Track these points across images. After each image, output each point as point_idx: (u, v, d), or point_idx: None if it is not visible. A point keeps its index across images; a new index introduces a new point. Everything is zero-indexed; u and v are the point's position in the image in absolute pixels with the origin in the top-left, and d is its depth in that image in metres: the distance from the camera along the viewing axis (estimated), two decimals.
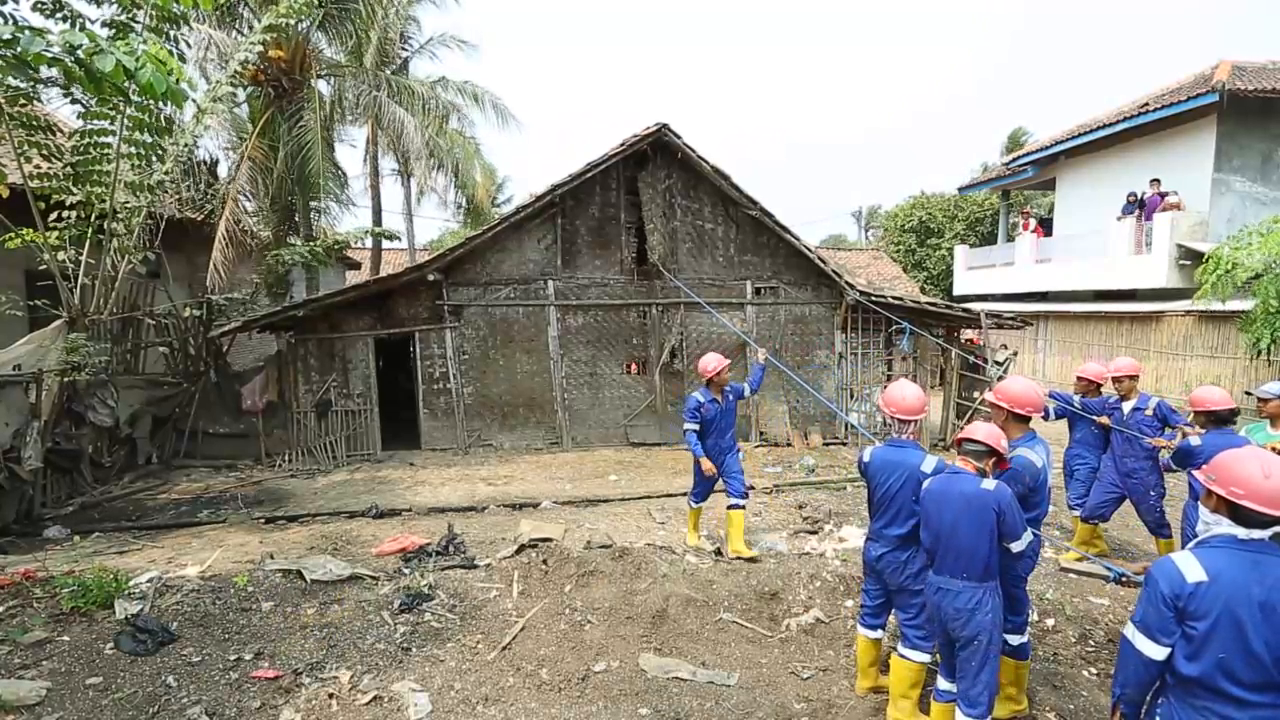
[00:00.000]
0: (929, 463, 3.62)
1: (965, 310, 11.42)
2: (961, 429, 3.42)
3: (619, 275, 10.97)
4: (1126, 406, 5.85)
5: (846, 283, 11.00)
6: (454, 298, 10.51)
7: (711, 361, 5.82)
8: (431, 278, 10.23)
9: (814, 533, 6.65)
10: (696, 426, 5.78)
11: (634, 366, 11.19)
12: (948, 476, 3.31)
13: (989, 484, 3.18)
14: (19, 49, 3.68)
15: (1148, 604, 2.21)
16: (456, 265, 10.46)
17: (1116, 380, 5.96)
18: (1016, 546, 3.21)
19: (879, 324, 11.32)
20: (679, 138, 10.36)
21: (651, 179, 10.66)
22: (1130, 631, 2.26)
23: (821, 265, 11.08)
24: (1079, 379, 6.37)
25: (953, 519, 3.17)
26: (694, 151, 10.45)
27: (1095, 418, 6.06)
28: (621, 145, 10.38)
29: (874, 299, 10.93)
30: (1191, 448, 4.79)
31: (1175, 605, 2.14)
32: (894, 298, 11.16)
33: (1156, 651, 2.18)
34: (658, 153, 10.62)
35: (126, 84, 4.01)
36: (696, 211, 11.04)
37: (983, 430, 3.30)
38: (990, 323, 10.84)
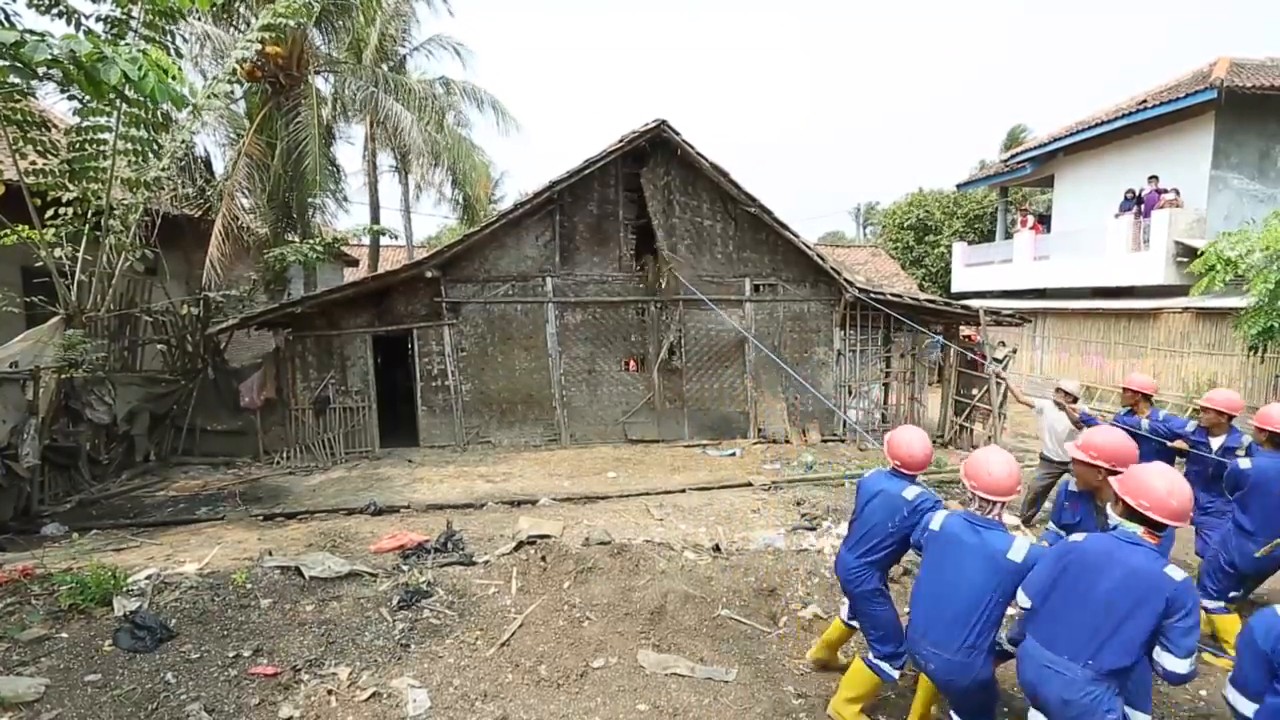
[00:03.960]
0: (1018, 549, 2.88)
1: (964, 307, 11.42)
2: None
3: (617, 272, 10.96)
4: (1215, 443, 4.95)
5: (845, 280, 10.98)
6: (452, 295, 10.50)
7: (920, 444, 3.62)
8: (429, 274, 10.24)
9: (812, 529, 6.67)
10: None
11: (632, 363, 11.19)
12: (1113, 539, 2.68)
13: (1175, 571, 2.52)
14: (21, 52, 3.67)
15: (1242, 658, 2.20)
16: (454, 262, 10.45)
17: (1203, 411, 5.07)
18: (1173, 664, 2.46)
19: (877, 321, 11.32)
20: (678, 134, 10.34)
21: (650, 176, 10.64)
22: (1230, 693, 2.25)
23: (820, 262, 11.08)
24: (1126, 390, 5.64)
25: (1107, 591, 2.58)
26: (692, 148, 10.44)
27: (1170, 443, 5.14)
28: (620, 141, 10.36)
29: (873, 295, 10.93)
30: (1240, 471, 4.41)
31: (1270, 659, 2.08)
32: (892, 295, 11.16)
33: (1249, 709, 2.17)
34: (656, 149, 10.62)
35: (126, 87, 4.02)
36: (695, 208, 11.02)
37: (1175, 505, 2.60)
38: (989, 320, 10.86)
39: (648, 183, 10.63)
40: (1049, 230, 19.66)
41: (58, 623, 4.29)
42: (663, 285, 10.80)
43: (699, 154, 10.50)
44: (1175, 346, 13.93)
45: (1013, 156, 20.75)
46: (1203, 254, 10.70)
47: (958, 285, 22.79)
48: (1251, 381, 12.21)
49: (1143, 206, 15.06)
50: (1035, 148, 19.34)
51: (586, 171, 10.38)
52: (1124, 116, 15.51)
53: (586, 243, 10.87)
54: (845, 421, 11.35)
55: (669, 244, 10.79)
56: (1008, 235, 21.64)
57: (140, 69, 3.85)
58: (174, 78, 4.14)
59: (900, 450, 3.60)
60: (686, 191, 10.96)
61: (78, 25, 6.71)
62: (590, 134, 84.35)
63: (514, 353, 10.78)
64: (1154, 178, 14.81)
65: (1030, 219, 20.08)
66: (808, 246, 11.22)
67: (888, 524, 3.51)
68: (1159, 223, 14.28)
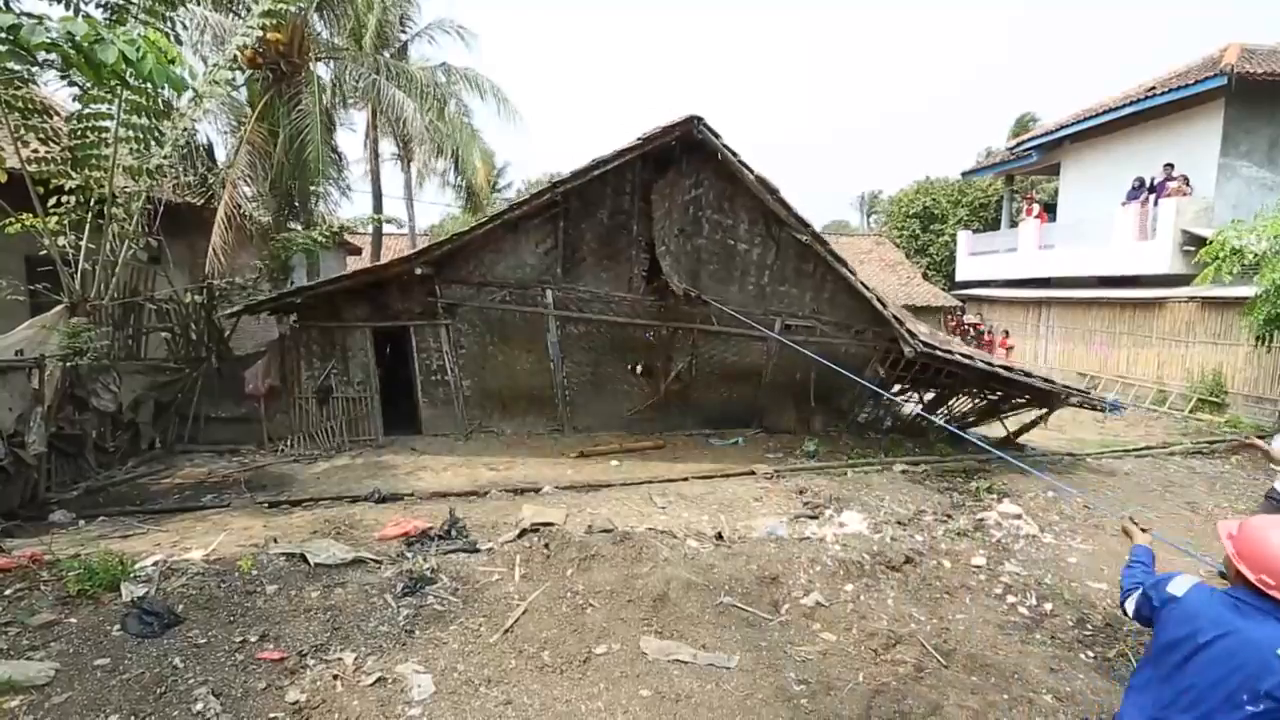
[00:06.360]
0: None
1: (1046, 380, 9.08)
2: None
3: (627, 294, 9.79)
4: None
5: (908, 330, 8.78)
6: (447, 295, 9.89)
7: None
8: (420, 272, 9.51)
9: (814, 518, 6.69)
10: None
11: (639, 368, 10.82)
12: None
13: None
14: (19, 35, 3.66)
15: None
16: (448, 261, 9.74)
17: None
18: None
19: (926, 369, 9.44)
20: (717, 136, 8.68)
21: (670, 187, 9.19)
22: None
23: (881, 309, 9.05)
24: None
25: None
26: (734, 155, 8.80)
27: None
28: (640, 139, 8.76)
29: (939, 352, 8.72)
30: None
31: None
32: (963, 355, 8.92)
33: None
34: (685, 153, 9.11)
35: (125, 70, 3.99)
36: (729, 229, 9.47)
37: None
38: (1076, 402, 9.48)
39: (664, 198, 9.02)
40: (1054, 219, 19.54)
41: (66, 608, 4.33)
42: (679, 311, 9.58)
43: (742, 163, 8.83)
44: (1180, 336, 13.88)
45: (1019, 144, 20.60)
46: (1210, 244, 10.62)
47: (962, 274, 22.70)
48: (1258, 371, 12.17)
49: (1155, 192, 14.90)
50: (1041, 135, 19.19)
51: (595, 173, 8.92)
52: (1132, 104, 15.37)
53: (594, 255, 9.70)
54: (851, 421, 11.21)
55: (691, 269, 9.34)
56: (1013, 224, 21.51)
57: (138, 50, 3.82)
58: (174, 61, 4.11)
59: (1274, 561, 1.94)
60: (721, 209, 9.35)
61: (76, 10, 6.68)
62: (592, 131, 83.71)
63: (515, 354, 10.28)
64: (1169, 165, 14.64)
65: (1036, 207, 19.97)
66: (866, 288, 9.19)
67: (1256, 706, 1.86)
68: (1166, 211, 14.18)
